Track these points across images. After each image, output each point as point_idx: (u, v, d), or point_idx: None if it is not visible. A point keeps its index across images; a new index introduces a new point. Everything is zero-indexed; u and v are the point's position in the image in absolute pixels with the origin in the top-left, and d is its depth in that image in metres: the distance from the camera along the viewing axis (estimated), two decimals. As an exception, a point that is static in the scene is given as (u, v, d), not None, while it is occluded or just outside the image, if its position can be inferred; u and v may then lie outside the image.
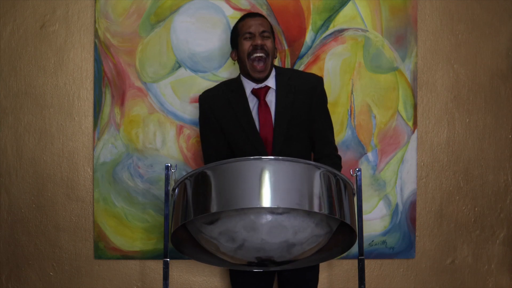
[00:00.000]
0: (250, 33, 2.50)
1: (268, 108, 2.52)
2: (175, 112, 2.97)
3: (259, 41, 2.48)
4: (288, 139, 2.48)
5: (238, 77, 2.61)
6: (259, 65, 2.49)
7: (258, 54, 2.48)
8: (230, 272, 2.64)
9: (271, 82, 2.54)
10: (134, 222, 2.98)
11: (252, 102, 2.54)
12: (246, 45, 2.50)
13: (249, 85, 2.54)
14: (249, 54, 2.49)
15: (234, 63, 2.63)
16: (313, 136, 2.56)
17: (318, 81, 2.59)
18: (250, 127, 2.49)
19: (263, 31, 2.50)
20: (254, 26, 2.50)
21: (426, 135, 3.08)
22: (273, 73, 2.56)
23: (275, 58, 2.61)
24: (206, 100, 2.59)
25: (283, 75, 2.58)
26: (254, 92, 2.53)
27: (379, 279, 3.08)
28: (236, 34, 2.55)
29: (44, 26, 2.99)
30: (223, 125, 2.53)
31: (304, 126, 2.53)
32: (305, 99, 2.53)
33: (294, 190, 1.94)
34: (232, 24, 2.97)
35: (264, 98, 2.52)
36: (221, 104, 2.55)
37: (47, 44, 2.99)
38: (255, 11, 2.97)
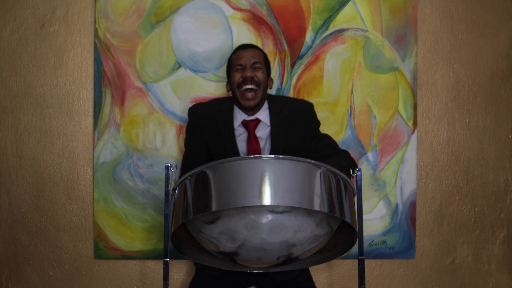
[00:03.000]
0: (240, 65, 2.51)
1: (257, 140, 2.53)
2: (175, 112, 2.97)
3: (248, 73, 2.49)
4: None
5: (231, 100, 2.61)
6: (250, 94, 2.50)
7: (248, 86, 2.49)
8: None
9: (262, 115, 2.56)
10: (134, 222, 2.97)
11: (241, 133, 2.56)
12: (237, 76, 2.51)
13: (240, 116, 2.56)
14: (239, 86, 2.51)
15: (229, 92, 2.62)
16: (316, 155, 2.53)
17: (309, 107, 2.62)
18: (233, 151, 2.51)
19: (254, 63, 2.51)
20: (245, 58, 2.51)
21: (426, 135, 3.08)
22: (265, 105, 2.57)
23: (270, 88, 2.62)
24: (195, 114, 2.62)
25: (275, 105, 2.58)
26: (245, 124, 2.55)
27: (379, 279, 3.08)
28: (229, 66, 2.57)
29: (44, 26, 2.99)
30: (208, 142, 2.56)
31: (297, 153, 2.50)
32: (298, 127, 2.55)
33: (295, 189, 1.94)
34: (232, 24, 2.98)
35: (253, 131, 2.54)
36: (208, 122, 2.58)
37: (47, 44, 2.99)
38: (255, 11, 2.97)
